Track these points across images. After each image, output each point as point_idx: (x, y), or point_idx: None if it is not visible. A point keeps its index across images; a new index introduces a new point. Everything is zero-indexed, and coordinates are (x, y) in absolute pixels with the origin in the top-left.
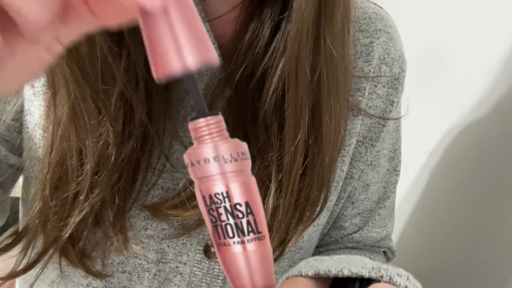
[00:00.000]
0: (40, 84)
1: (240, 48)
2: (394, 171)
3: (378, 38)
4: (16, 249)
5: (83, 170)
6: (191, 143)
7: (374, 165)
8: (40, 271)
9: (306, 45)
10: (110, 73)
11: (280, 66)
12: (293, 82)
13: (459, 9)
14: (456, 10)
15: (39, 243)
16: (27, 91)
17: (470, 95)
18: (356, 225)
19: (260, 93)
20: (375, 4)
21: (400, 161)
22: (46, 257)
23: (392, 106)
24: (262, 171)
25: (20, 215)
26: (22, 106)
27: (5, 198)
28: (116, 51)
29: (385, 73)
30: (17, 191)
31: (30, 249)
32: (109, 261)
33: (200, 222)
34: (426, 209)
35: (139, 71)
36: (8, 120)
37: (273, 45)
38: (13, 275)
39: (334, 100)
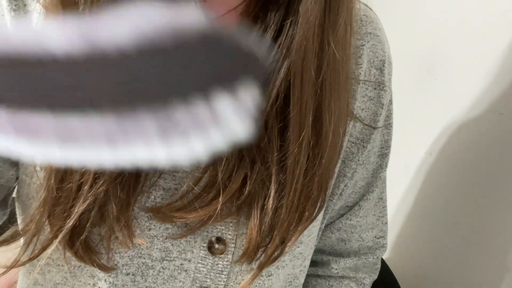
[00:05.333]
0: None
1: None
2: (381, 167)
3: (368, 41)
4: (14, 245)
5: None
6: None
7: (365, 163)
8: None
9: (311, 49)
10: None
11: (282, 69)
12: (298, 85)
13: (459, 9)
14: (456, 10)
15: (42, 236)
16: None
17: (470, 95)
18: (338, 213)
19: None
20: (365, 5)
21: (388, 158)
22: (49, 251)
23: (382, 108)
24: (263, 172)
25: (17, 212)
26: None
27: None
28: None
29: (374, 76)
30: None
31: (35, 238)
32: (114, 263)
33: (204, 222)
34: (426, 209)
35: None
36: None
37: (276, 49)
38: (17, 264)
39: (335, 104)
